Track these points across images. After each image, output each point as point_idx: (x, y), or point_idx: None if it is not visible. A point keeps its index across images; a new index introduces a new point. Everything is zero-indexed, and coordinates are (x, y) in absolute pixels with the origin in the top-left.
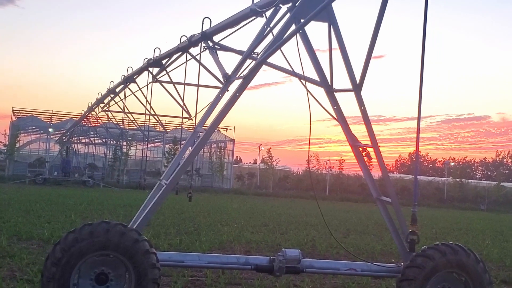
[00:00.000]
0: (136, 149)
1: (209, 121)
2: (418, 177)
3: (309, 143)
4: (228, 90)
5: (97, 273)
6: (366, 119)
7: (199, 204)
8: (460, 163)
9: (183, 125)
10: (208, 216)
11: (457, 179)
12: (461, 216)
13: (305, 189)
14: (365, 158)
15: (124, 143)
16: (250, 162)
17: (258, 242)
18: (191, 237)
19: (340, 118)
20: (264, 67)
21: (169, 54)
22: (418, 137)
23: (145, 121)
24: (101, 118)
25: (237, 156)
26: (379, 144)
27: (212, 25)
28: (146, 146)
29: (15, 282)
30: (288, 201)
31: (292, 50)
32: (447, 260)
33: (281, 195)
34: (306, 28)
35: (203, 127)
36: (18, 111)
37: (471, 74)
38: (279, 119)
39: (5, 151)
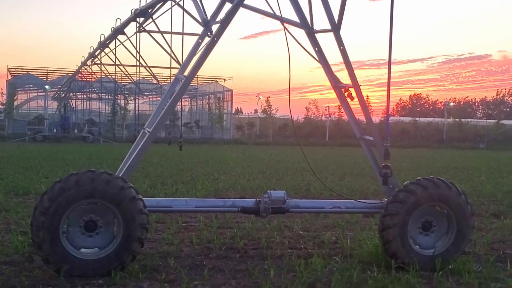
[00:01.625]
0: (134, 103)
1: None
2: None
3: (289, 87)
4: (209, 36)
5: (86, 221)
6: (346, 60)
7: (198, 155)
8: (461, 103)
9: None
10: (206, 166)
11: (457, 119)
12: (459, 155)
13: (304, 136)
14: (348, 99)
15: (122, 97)
16: (250, 113)
17: (253, 188)
18: (187, 186)
19: (322, 59)
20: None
21: (154, 3)
22: (389, 74)
23: (136, 74)
24: (95, 73)
25: (237, 107)
26: (360, 85)
27: None
28: (139, 99)
29: (10, 234)
30: (288, 148)
31: None
32: (429, 194)
33: (281, 143)
34: None
35: (183, 74)
36: (14, 69)
37: (471, 13)
38: (278, 67)
39: (3, 110)
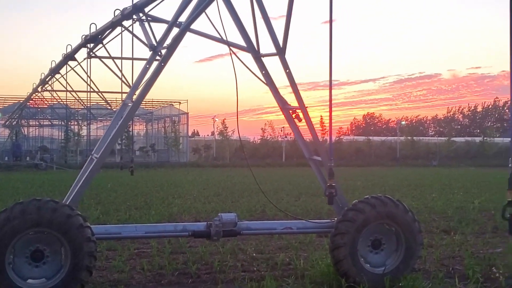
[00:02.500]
0: (88, 128)
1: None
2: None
3: (237, 111)
4: (157, 60)
5: (32, 250)
6: (292, 82)
7: (154, 180)
8: (413, 121)
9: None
10: (161, 190)
11: (409, 138)
12: (412, 173)
13: (261, 157)
14: (295, 120)
15: (75, 123)
16: (207, 135)
17: (208, 211)
18: (141, 211)
19: (269, 82)
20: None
21: (104, 29)
22: (330, 97)
23: (87, 99)
24: (47, 100)
25: (194, 130)
26: (306, 106)
27: None
28: (89, 126)
29: None
30: (245, 170)
31: (219, 17)
32: (377, 212)
33: (238, 165)
34: None
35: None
36: None
37: (421, 33)
38: (234, 90)
39: None
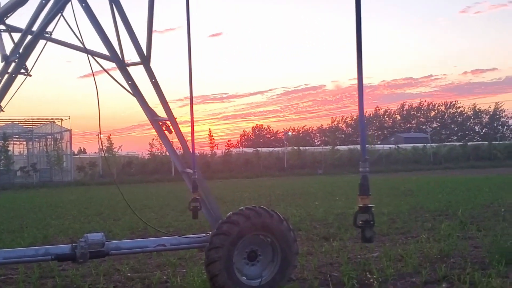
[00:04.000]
0: None
1: None
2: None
3: (100, 125)
4: (21, 73)
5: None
6: (159, 92)
7: (34, 201)
8: (300, 132)
9: None
10: (39, 211)
11: (295, 148)
12: (299, 182)
13: (150, 173)
14: (166, 132)
15: None
16: (95, 152)
17: (87, 231)
18: (14, 234)
19: (136, 93)
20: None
21: None
22: (191, 111)
23: None
24: None
25: (80, 147)
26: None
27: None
28: None
29: None
30: (132, 187)
31: (82, 26)
32: (251, 223)
33: (125, 182)
34: (90, 2)
35: None
36: None
37: (305, 45)
38: (120, 105)
39: None
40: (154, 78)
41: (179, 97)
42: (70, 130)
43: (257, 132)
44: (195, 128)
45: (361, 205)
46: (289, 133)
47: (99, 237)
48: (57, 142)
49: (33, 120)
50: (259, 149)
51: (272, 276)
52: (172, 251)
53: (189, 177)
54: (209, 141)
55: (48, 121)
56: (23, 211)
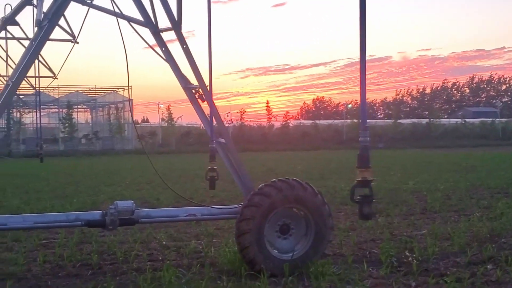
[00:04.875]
0: (37, 115)
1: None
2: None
3: (128, 85)
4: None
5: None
6: (191, 59)
7: (93, 168)
8: None
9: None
10: (95, 178)
11: (355, 120)
12: (357, 155)
13: (207, 143)
14: (199, 100)
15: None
16: (158, 122)
17: (134, 199)
18: (65, 200)
19: (170, 59)
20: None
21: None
22: (211, 81)
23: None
24: None
25: (144, 117)
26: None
27: None
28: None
29: None
30: (189, 156)
31: None
32: (284, 195)
33: (183, 151)
34: None
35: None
36: None
37: (371, 17)
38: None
39: None
40: (185, 44)
41: (241, 68)
42: (131, 100)
43: (318, 105)
44: (255, 99)
45: (359, 179)
46: (349, 105)
47: (129, 205)
48: (119, 111)
49: (96, 89)
50: (317, 121)
51: (305, 250)
52: (203, 221)
53: (222, 147)
54: (267, 113)
55: (110, 90)
56: (80, 177)
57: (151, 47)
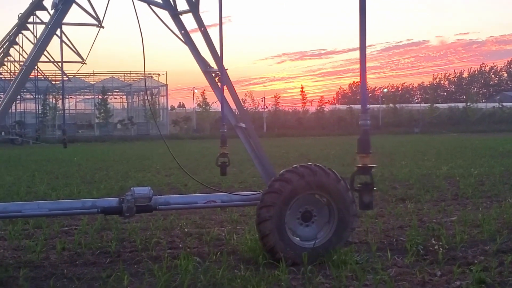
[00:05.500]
0: (69, 102)
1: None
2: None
3: (145, 70)
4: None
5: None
6: (209, 42)
7: (125, 153)
8: (399, 89)
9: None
10: (126, 163)
11: (391, 105)
12: (392, 140)
13: None
14: (219, 84)
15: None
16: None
17: (162, 185)
18: (93, 185)
19: (189, 43)
20: None
21: None
22: (223, 69)
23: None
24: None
25: (180, 102)
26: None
27: None
28: (36, 97)
29: None
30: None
31: None
32: (305, 182)
33: (217, 136)
34: None
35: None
36: None
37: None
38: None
39: None
40: (204, 26)
41: (277, 54)
42: (166, 85)
43: (354, 89)
44: (291, 84)
45: (359, 165)
46: (385, 90)
47: (146, 191)
48: (154, 96)
49: (131, 74)
50: (352, 106)
51: (328, 238)
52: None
53: (243, 132)
54: (301, 98)
55: (145, 76)
56: (111, 163)
57: (170, 29)
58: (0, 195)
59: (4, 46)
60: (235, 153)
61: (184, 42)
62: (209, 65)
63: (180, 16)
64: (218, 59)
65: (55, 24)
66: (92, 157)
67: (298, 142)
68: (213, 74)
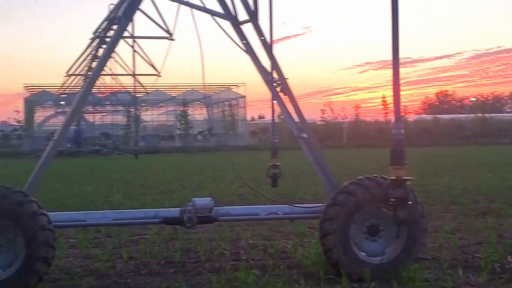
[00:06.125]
0: (152, 114)
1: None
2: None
3: (204, 81)
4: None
5: None
6: (269, 52)
7: (203, 163)
8: (489, 98)
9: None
10: (202, 174)
11: (479, 115)
12: (479, 151)
13: (320, 138)
14: (281, 94)
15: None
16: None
17: (234, 195)
18: (166, 195)
19: (250, 52)
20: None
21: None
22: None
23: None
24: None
25: (260, 113)
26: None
27: None
28: (112, 110)
29: None
30: (300, 152)
31: None
32: (371, 194)
33: (295, 147)
34: None
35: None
36: (30, 87)
37: (498, 6)
38: (301, 71)
39: (21, 127)
40: (263, 36)
41: (359, 63)
42: (245, 96)
43: (441, 99)
44: (374, 94)
45: (393, 178)
46: (473, 99)
47: (207, 202)
48: (232, 107)
49: (212, 86)
50: (438, 116)
51: (396, 254)
52: (284, 220)
53: (305, 142)
54: (383, 108)
55: (224, 87)
56: (188, 173)
57: (232, 39)
58: (78, 204)
59: (88, 60)
60: (308, 164)
61: (246, 51)
62: (270, 74)
63: (241, 26)
64: (279, 69)
65: (117, 36)
66: (170, 167)
67: (379, 153)
68: (275, 84)
